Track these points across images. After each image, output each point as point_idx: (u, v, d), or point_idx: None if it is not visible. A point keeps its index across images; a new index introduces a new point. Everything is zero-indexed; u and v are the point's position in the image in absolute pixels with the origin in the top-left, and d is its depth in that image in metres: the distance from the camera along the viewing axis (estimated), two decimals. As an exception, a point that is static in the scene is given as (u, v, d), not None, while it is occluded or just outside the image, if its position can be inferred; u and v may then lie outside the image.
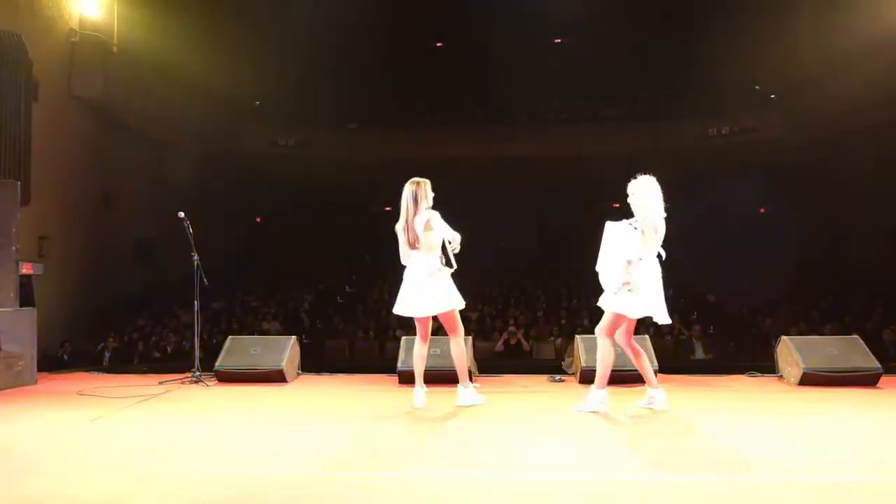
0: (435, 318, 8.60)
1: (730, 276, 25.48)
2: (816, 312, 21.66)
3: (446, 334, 8.80)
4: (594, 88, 31.40)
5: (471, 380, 8.96)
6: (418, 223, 8.25)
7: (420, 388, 8.54)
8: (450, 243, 8.36)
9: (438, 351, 9.70)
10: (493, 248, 29.70)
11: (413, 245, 8.33)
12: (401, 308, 8.51)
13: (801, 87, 26.22)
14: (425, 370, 8.72)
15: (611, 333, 8.13)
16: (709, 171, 28.92)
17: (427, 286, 8.31)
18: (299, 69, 28.79)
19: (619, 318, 8.05)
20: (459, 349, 8.61)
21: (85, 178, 22.09)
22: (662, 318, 8.01)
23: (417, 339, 8.69)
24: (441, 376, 9.56)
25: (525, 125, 32.14)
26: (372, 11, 26.18)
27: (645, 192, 7.99)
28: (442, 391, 9.03)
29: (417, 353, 8.66)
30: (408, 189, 8.40)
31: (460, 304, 8.50)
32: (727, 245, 26.98)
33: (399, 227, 8.43)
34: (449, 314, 8.47)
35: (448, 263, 8.40)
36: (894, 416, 8.24)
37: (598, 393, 8.09)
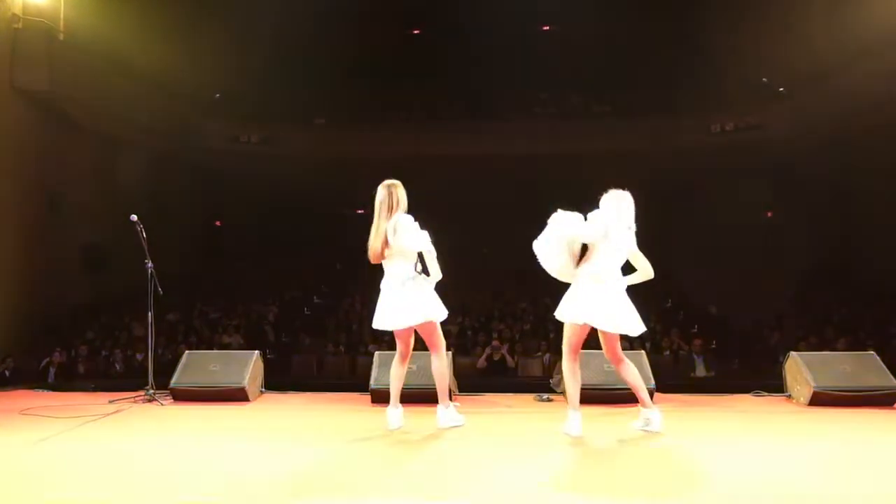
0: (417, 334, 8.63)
1: (734, 287, 25.52)
2: (828, 326, 21.66)
3: (426, 349, 8.83)
4: (586, 81, 31.45)
5: (451, 399, 8.97)
6: (388, 229, 8.28)
7: (395, 408, 8.55)
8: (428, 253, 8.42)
9: (415, 367, 9.69)
10: (475, 254, 29.75)
11: (382, 253, 8.36)
12: (377, 322, 8.50)
13: (811, 80, 26.17)
14: (409, 387, 8.76)
15: (572, 349, 8.21)
16: (711, 172, 28.98)
17: (402, 296, 8.31)
18: (263, 59, 28.77)
19: (573, 330, 8.15)
20: (440, 366, 8.60)
21: (28, 178, 21.99)
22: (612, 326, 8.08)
23: (397, 355, 8.67)
24: (418, 395, 9.57)
25: (510, 121, 32.04)
26: (343, -5, 26.28)
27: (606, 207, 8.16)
28: (419, 411, 9.05)
29: (395, 371, 8.65)
30: (379, 192, 8.44)
31: (440, 315, 8.50)
32: (731, 252, 27.02)
33: (371, 235, 8.46)
34: (427, 326, 8.46)
35: (425, 271, 8.41)
36: (915, 440, 8.23)
37: (571, 414, 8.17)
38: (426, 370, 9.05)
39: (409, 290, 8.31)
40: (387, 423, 8.46)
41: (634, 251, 8.12)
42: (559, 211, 8.21)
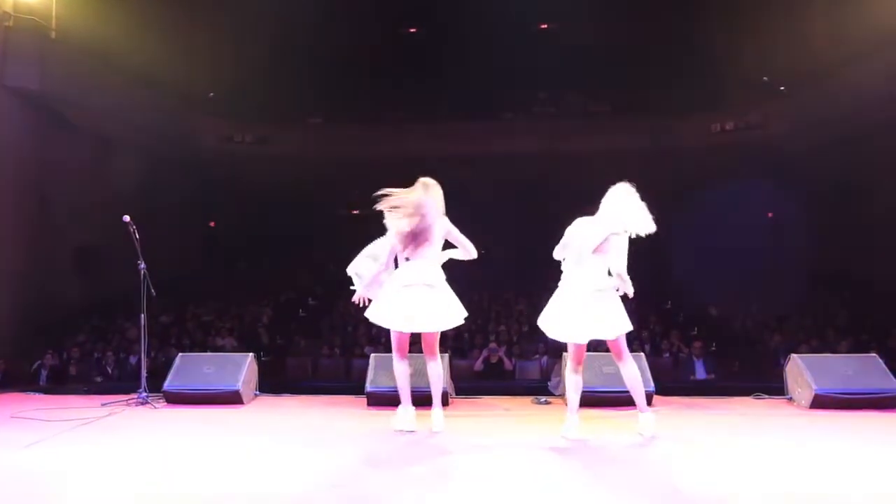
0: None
1: (734, 288, 25.48)
2: (830, 328, 21.63)
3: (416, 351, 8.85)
4: (584, 79, 31.40)
5: (447, 402, 8.98)
6: (438, 229, 8.35)
7: (407, 407, 8.54)
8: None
9: (411, 370, 9.68)
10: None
11: (416, 250, 8.36)
12: (401, 323, 8.41)
13: (813, 78, 26.08)
14: (395, 390, 8.75)
15: (575, 357, 8.27)
16: (711, 172, 28.95)
17: (436, 298, 8.39)
18: (258, 57, 28.72)
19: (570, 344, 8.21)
20: (441, 369, 8.71)
21: (19, 178, 21.94)
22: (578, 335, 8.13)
23: (398, 355, 8.63)
24: (417, 398, 9.53)
25: (509, 120, 32.10)
26: (339, -8, 26.24)
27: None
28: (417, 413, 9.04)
29: (403, 371, 8.62)
30: (429, 189, 8.47)
31: (465, 314, 8.61)
32: (731, 253, 26.98)
33: (407, 229, 8.37)
34: (439, 331, 8.53)
35: None
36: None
37: (569, 417, 8.23)
38: (423, 372, 9.04)
39: (441, 292, 8.39)
40: (399, 424, 8.48)
41: (618, 246, 8.12)
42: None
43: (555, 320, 8.12)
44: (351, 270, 8.81)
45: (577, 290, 8.02)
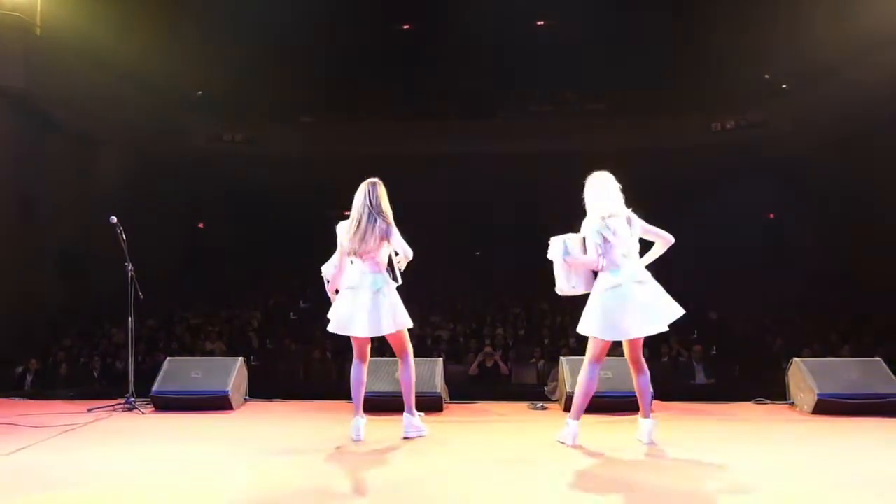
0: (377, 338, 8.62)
1: (735, 291, 25.47)
2: (833, 331, 21.60)
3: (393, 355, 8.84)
4: (582, 77, 31.38)
5: (441, 407, 8.96)
6: (378, 231, 8.25)
7: (361, 417, 8.52)
8: (396, 255, 8.42)
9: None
10: (467, 257, 29.66)
11: (361, 253, 8.33)
12: (340, 326, 8.52)
13: (815, 76, 26.14)
14: (391, 394, 8.72)
15: (595, 359, 8.15)
16: (711, 171, 28.96)
17: (374, 302, 8.30)
18: (248, 55, 28.66)
19: (596, 342, 8.09)
20: (410, 373, 8.62)
21: (3, 179, 21.90)
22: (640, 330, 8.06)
23: (356, 360, 8.66)
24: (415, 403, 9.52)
25: (505, 119, 32.05)
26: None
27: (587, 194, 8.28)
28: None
29: (357, 378, 8.63)
30: (365, 189, 8.42)
31: (409, 323, 8.51)
32: (732, 255, 26.98)
33: (347, 231, 8.47)
34: (398, 334, 8.47)
35: (394, 278, 8.45)
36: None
37: (569, 424, 8.15)
38: (421, 377, 9.02)
39: (380, 296, 8.31)
40: (350, 433, 8.43)
41: (644, 228, 8.15)
42: (552, 239, 8.29)
43: (609, 322, 8.00)
44: (323, 271, 8.87)
45: (621, 286, 7.97)
